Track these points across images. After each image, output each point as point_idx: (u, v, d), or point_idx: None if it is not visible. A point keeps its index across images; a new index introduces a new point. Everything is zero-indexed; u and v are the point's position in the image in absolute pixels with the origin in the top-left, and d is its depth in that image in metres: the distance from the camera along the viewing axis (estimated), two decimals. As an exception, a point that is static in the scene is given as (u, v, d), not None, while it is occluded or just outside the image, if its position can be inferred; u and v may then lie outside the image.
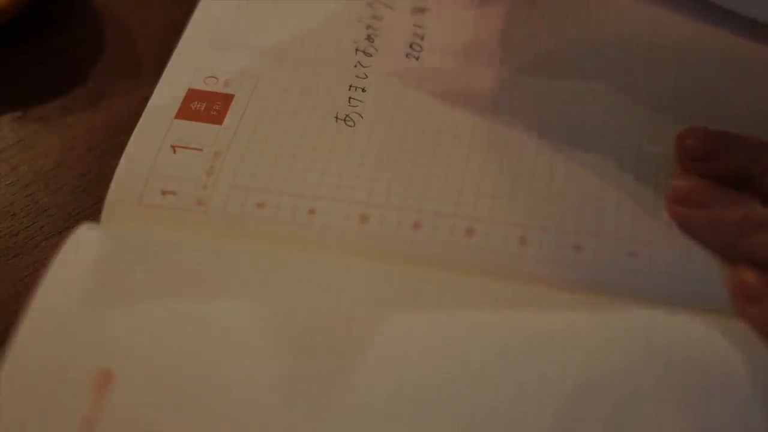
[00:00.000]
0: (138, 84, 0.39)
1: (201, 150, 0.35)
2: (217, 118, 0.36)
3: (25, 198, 0.36)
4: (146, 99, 0.37)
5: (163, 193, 0.34)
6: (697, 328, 0.30)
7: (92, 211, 0.35)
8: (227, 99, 0.37)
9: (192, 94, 0.37)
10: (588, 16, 0.40)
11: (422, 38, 0.39)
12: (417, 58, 0.39)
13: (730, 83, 0.37)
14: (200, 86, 0.37)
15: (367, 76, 0.38)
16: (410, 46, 0.39)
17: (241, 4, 0.41)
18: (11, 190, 0.36)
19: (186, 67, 0.38)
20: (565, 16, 0.40)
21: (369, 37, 0.39)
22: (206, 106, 0.36)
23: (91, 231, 0.33)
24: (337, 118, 0.36)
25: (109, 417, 0.28)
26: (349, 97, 0.37)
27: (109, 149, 0.37)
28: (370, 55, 0.39)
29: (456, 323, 0.30)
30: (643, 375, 0.29)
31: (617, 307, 0.31)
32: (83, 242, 0.32)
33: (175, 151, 0.35)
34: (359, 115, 0.36)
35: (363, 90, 0.37)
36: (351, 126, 0.36)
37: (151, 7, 0.43)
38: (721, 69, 0.38)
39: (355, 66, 0.38)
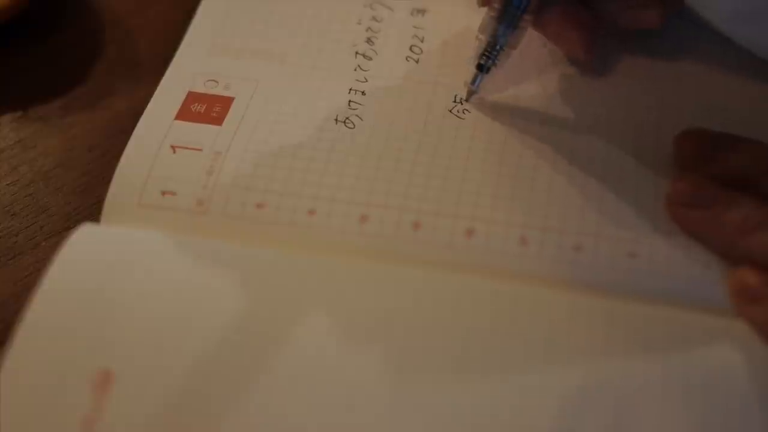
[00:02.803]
0: (138, 84, 0.39)
1: (201, 150, 0.35)
2: (217, 120, 0.36)
3: (25, 198, 0.36)
4: (146, 99, 0.37)
5: (163, 193, 0.34)
6: (697, 328, 0.30)
7: (92, 211, 0.35)
8: (227, 102, 0.37)
9: (192, 97, 0.37)
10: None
11: (422, 40, 0.39)
12: (417, 61, 0.39)
13: (730, 85, 0.37)
14: (200, 89, 0.37)
15: (366, 80, 0.38)
16: (410, 49, 0.39)
17: (241, 8, 0.41)
18: (11, 190, 0.36)
19: (186, 71, 0.38)
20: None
21: (369, 40, 0.39)
22: (206, 108, 0.37)
23: (91, 231, 0.33)
24: (336, 120, 0.36)
25: (109, 417, 0.28)
26: (349, 100, 0.37)
27: (109, 149, 0.37)
28: (370, 59, 0.39)
29: (456, 323, 0.30)
30: (643, 375, 0.29)
31: (617, 307, 0.31)
32: (83, 242, 0.32)
33: (175, 152, 0.35)
34: (359, 117, 0.36)
35: (363, 93, 0.37)
36: (351, 128, 0.36)
37: (151, 7, 0.43)
38: (720, 70, 0.38)
39: (355, 69, 0.38)
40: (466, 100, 0.36)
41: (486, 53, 0.35)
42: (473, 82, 0.36)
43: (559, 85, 0.37)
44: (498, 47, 0.35)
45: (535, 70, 0.38)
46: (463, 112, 0.36)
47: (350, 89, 0.37)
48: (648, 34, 0.37)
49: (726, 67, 0.38)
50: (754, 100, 0.37)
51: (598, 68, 0.38)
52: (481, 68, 0.35)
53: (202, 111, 0.36)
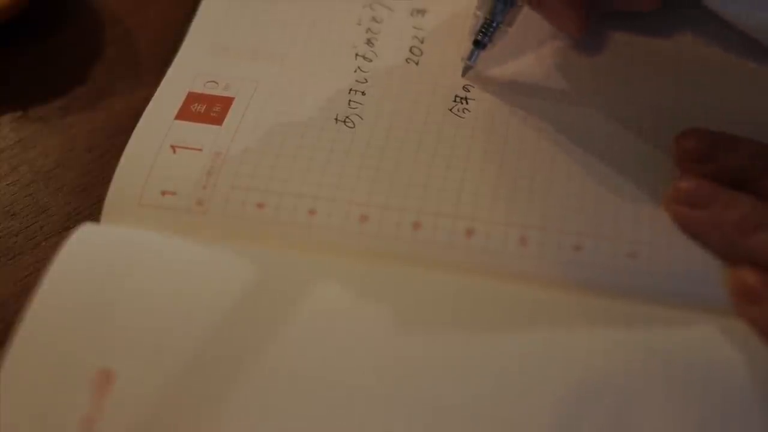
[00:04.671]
0: (138, 84, 0.39)
1: (201, 150, 0.35)
2: (217, 120, 0.36)
3: (25, 198, 0.36)
4: (146, 99, 0.37)
5: (163, 193, 0.34)
6: (697, 328, 0.30)
7: (92, 211, 0.35)
8: (227, 102, 0.37)
9: (192, 97, 0.37)
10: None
11: (422, 41, 0.39)
12: (417, 62, 0.39)
13: (729, 86, 0.37)
14: (200, 89, 0.37)
15: (366, 81, 0.38)
16: (410, 50, 0.39)
17: (241, 8, 0.41)
18: (11, 190, 0.36)
19: (186, 72, 0.38)
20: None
21: (369, 41, 0.39)
22: (206, 108, 0.37)
23: (91, 231, 0.33)
24: (336, 119, 0.36)
25: (109, 417, 0.28)
26: (349, 100, 0.37)
27: (109, 149, 0.37)
28: (370, 60, 0.39)
29: (456, 324, 0.30)
30: (644, 375, 0.29)
31: (617, 307, 0.31)
32: (83, 242, 0.32)
33: (175, 152, 0.35)
34: (359, 116, 0.36)
35: (363, 93, 0.37)
36: (351, 127, 0.36)
37: (151, 7, 0.43)
38: (720, 71, 0.38)
39: (355, 71, 0.38)
40: (463, 76, 0.37)
41: (483, 30, 0.36)
42: (470, 57, 0.37)
43: (557, 71, 0.38)
44: (495, 24, 0.36)
45: (532, 52, 0.38)
46: (463, 112, 0.36)
47: (350, 89, 0.37)
48: (646, 16, 0.37)
49: (726, 68, 0.38)
50: (754, 101, 0.37)
51: (593, 52, 0.38)
52: (478, 44, 0.36)
53: (202, 111, 0.36)
